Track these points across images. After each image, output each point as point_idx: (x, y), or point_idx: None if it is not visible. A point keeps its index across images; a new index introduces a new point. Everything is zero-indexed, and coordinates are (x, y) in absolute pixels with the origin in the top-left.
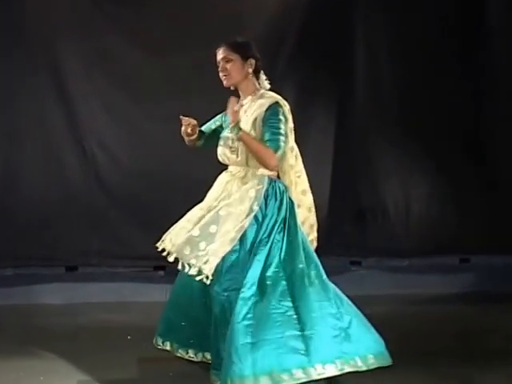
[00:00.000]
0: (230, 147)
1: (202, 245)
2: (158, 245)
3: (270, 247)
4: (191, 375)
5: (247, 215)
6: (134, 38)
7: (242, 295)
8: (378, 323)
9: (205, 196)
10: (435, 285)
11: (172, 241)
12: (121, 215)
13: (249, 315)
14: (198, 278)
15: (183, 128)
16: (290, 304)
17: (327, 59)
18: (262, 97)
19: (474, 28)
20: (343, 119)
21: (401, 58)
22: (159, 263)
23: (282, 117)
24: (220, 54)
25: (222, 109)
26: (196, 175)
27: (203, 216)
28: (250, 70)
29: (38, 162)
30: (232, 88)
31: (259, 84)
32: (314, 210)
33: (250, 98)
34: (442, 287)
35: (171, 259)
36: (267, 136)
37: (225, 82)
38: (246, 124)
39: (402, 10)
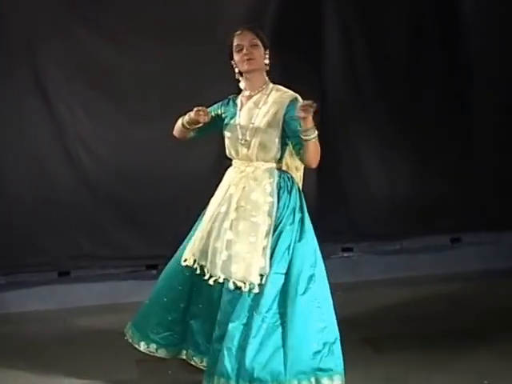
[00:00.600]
0: (241, 140)
1: (247, 257)
2: (183, 263)
3: (278, 240)
4: (191, 372)
5: (269, 213)
6: (111, 38)
7: (244, 296)
8: (375, 307)
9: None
10: (428, 266)
11: (211, 262)
12: (110, 217)
13: (245, 318)
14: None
15: (193, 115)
16: (280, 310)
17: (305, 51)
18: (276, 90)
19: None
20: (324, 107)
21: (379, 45)
22: (151, 262)
23: None
24: (246, 37)
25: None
26: (183, 174)
27: (232, 224)
28: (267, 62)
29: (24, 169)
30: (237, 77)
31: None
32: None
33: (259, 90)
34: (435, 268)
35: (210, 279)
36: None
37: (247, 67)
38: (262, 117)
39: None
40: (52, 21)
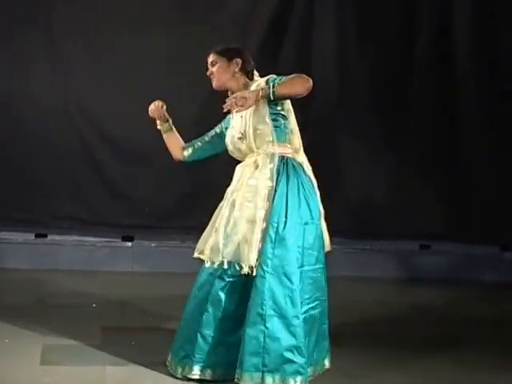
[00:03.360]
0: (238, 136)
1: (237, 239)
2: (197, 255)
3: (273, 229)
4: (152, 344)
5: (268, 197)
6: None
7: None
8: (342, 303)
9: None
10: (397, 269)
11: (223, 251)
12: (94, 184)
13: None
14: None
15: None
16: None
17: (288, 46)
18: (254, 83)
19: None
20: (308, 109)
21: (372, 47)
22: (128, 232)
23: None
24: (209, 59)
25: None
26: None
27: (230, 210)
28: (237, 69)
29: (22, 126)
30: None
31: (251, 80)
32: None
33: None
34: (401, 271)
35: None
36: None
37: (213, 84)
38: (250, 110)
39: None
40: None
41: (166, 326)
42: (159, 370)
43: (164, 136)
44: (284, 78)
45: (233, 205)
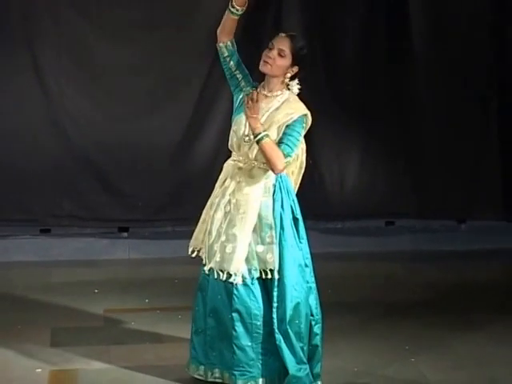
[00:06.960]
0: (245, 137)
1: (229, 248)
2: (191, 254)
3: (281, 240)
4: (151, 325)
5: (263, 209)
6: (101, 27)
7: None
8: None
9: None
10: (364, 244)
11: (207, 251)
12: (89, 182)
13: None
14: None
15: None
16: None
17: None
18: (288, 101)
19: None
20: None
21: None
22: (123, 225)
23: (303, 126)
24: (280, 43)
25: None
26: (156, 146)
27: (225, 216)
28: (289, 75)
29: (13, 130)
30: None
31: (288, 86)
32: None
33: (274, 94)
34: (370, 246)
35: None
36: (284, 139)
37: (262, 68)
38: (270, 122)
39: None
40: (49, 8)
41: (160, 306)
42: (157, 347)
43: (229, 16)
44: (286, 137)
45: (226, 210)
